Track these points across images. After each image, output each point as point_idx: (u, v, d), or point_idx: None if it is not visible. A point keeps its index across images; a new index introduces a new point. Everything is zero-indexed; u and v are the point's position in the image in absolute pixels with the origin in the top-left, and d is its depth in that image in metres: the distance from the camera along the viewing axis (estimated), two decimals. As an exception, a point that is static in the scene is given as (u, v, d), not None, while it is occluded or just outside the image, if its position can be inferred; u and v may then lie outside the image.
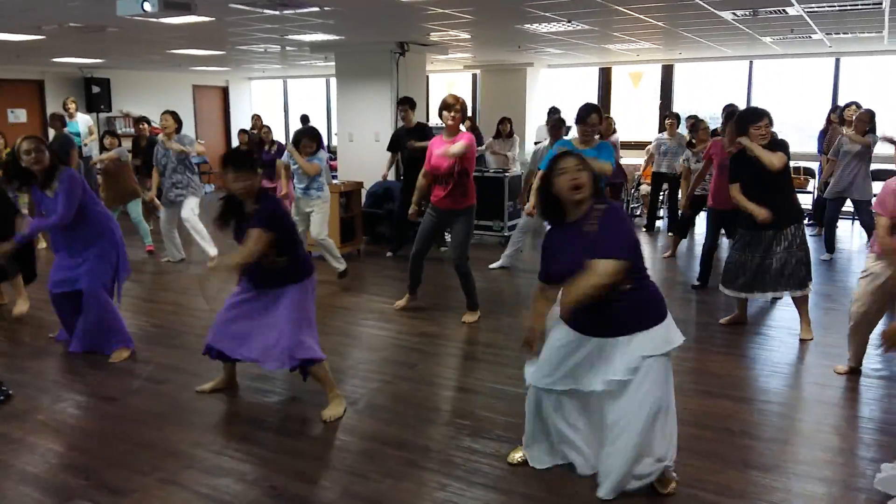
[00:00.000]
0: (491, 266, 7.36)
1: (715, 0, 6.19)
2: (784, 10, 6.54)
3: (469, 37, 8.81)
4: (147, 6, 3.98)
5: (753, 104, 10.68)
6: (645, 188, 10.55)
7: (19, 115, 12.52)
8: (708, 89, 13.22)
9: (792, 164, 10.97)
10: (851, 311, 4.31)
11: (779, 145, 4.83)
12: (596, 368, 2.88)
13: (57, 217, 4.34)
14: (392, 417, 3.88)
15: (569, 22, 7.24)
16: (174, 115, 7.38)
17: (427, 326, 5.51)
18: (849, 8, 6.40)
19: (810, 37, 8.58)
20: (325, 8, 6.03)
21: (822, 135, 9.23)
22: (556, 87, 13.61)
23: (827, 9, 6.46)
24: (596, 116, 5.13)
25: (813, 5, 6.29)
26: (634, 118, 13.13)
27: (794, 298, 5.07)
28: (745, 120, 4.87)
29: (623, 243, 2.74)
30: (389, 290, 6.45)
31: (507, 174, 8.70)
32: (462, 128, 5.43)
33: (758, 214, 4.74)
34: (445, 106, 5.33)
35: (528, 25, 7.71)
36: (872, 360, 4.55)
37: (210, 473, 3.24)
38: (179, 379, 4.38)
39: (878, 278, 4.11)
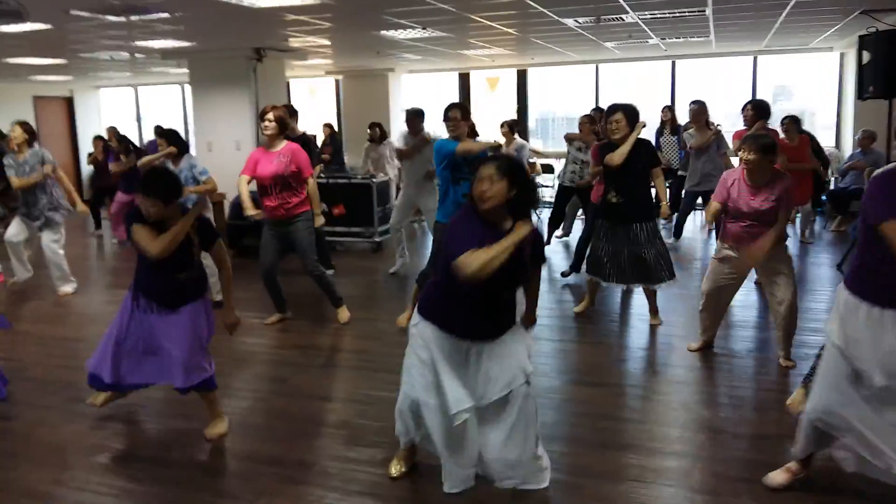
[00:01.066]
0: (391, 271, 7.39)
1: (560, 9, 6.56)
2: (621, 18, 7.02)
3: (328, 43, 8.78)
4: (-28, 16, 3.72)
5: (602, 105, 11.35)
6: None
7: None
8: (560, 92, 13.88)
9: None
10: (703, 289, 4.70)
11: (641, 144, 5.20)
12: (488, 376, 2.95)
13: None
14: (266, 434, 3.83)
15: (424, 28, 7.39)
16: (25, 125, 6.69)
17: (298, 338, 5.47)
18: (678, 15, 6.96)
19: (647, 41, 9.23)
20: (176, 14, 5.81)
21: (658, 134, 9.92)
22: (417, 92, 13.81)
23: (659, 16, 7.00)
24: (456, 112, 5.14)
25: (647, 13, 6.79)
26: (494, 122, 13.55)
27: (645, 288, 5.45)
28: (606, 116, 5.24)
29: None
30: (260, 305, 6.32)
31: (374, 180, 8.75)
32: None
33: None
34: (264, 116, 5.33)
35: (385, 32, 7.80)
36: (722, 338, 4.99)
37: (71, 512, 3.07)
38: (29, 415, 4.11)
39: (727, 259, 4.51)
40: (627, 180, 5.14)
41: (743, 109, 6.90)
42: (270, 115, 5.27)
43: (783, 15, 7.27)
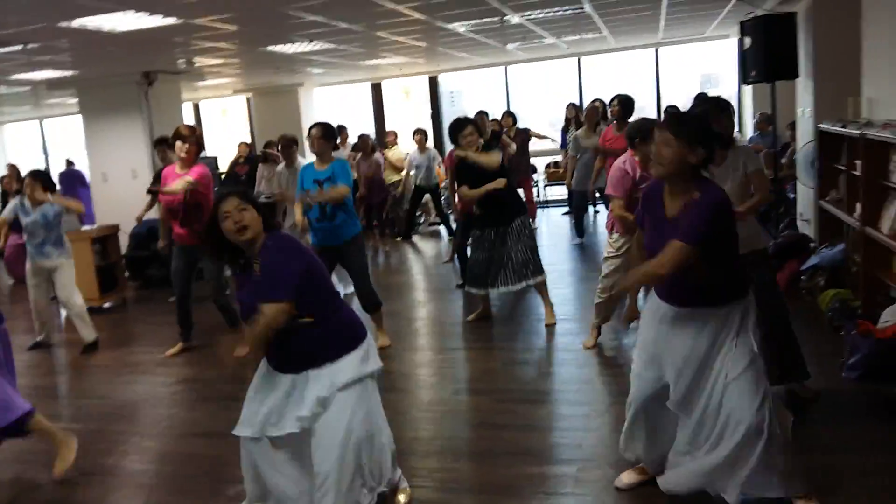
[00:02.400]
0: None
1: (443, 14, 6.51)
2: (505, 21, 7.01)
3: (220, 62, 8.57)
4: None
5: (512, 107, 11.44)
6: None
7: None
8: (473, 96, 13.93)
9: (550, 158, 11.90)
10: (599, 287, 4.72)
11: (491, 146, 5.21)
12: (289, 408, 2.71)
13: None
14: (146, 481, 3.64)
15: (311, 41, 7.26)
16: None
17: (188, 371, 5.26)
18: (559, 14, 6.99)
19: (543, 41, 9.28)
20: (28, 46, 5.54)
21: (564, 132, 10.01)
22: (330, 105, 13.65)
23: (541, 16, 7.03)
24: (315, 131, 4.94)
25: (528, 13, 6.80)
26: (409, 130, 13.52)
27: (535, 286, 5.42)
28: (453, 131, 5.21)
29: (281, 284, 2.59)
30: (158, 338, 6.06)
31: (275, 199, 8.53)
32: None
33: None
34: (179, 137, 5.15)
35: (274, 47, 7.63)
36: (607, 334, 4.98)
37: None
38: None
39: (618, 258, 4.52)
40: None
41: (609, 104, 6.98)
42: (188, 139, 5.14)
43: (663, 8, 7.39)
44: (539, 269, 5.36)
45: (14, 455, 3.91)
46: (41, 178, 5.67)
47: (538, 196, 11.37)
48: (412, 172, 9.40)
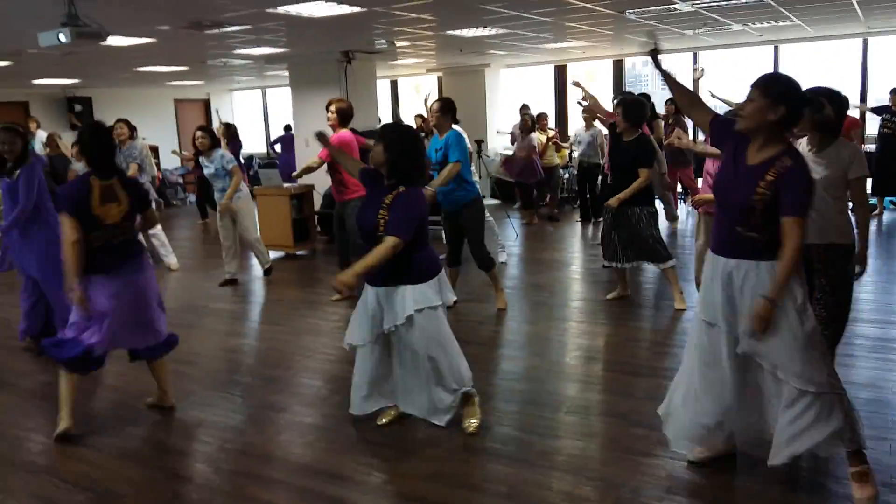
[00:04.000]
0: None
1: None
2: (675, 9, 7.06)
3: (408, 44, 9.38)
4: (62, 37, 4.59)
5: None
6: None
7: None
8: (655, 81, 13.70)
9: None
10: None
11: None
12: (382, 315, 3.51)
13: (18, 207, 4.78)
14: (307, 390, 4.47)
15: (487, 27, 7.80)
16: (127, 122, 8.08)
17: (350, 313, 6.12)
18: (733, 3, 6.91)
19: (730, 27, 9.07)
20: (247, 26, 6.62)
21: None
22: (514, 85, 14.15)
23: (714, 5, 6.98)
24: (435, 106, 5.58)
25: (698, 1, 6.81)
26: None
27: (663, 271, 5.71)
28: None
29: (408, 226, 3.35)
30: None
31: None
32: None
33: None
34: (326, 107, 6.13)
35: (458, 32, 8.25)
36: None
37: None
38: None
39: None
40: (616, 172, 5.56)
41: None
42: (332, 107, 6.02)
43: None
44: (660, 257, 5.58)
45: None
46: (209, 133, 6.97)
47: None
48: (575, 148, 9.73)
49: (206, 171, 6.96)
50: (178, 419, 4.08)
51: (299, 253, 8.80)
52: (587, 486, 3.12)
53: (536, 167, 10.04)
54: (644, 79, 14.05)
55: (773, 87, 2.74)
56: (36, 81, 12.00)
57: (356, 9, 6.08)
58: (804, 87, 2.85)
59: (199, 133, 6.90)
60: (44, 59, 8.63)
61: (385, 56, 10.49)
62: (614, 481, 3.15)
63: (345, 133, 6.10)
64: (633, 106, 5.50)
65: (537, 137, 10.18)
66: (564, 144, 11.07)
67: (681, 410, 3.09)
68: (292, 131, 13.85)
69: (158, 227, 7.86)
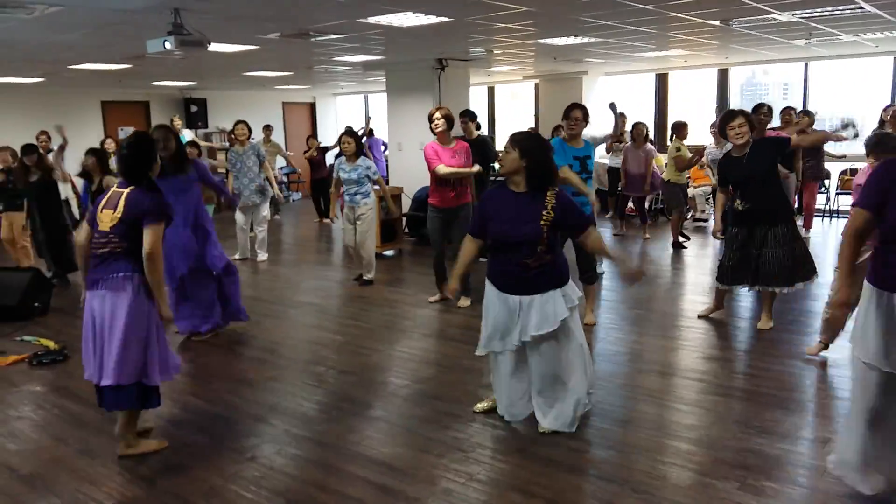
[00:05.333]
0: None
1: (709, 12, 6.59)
2: (775, 19, 6.83)
3: (501, 52, 9.49)
4: (167, 45, 5.01)
5: (810, 106, 10.83)
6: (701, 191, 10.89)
7: (128, 132, 14.30)
8: (771, 90, 13.21)
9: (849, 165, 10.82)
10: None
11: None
12: (523, 323, 3.57)
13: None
14: (380, 378, 4.68)
15: (576, 37, 7.79)
16: (247, 124, 8.63)
17: (431, 312, 6.28)
18: (837, 12, 6.61)
19: (839, 38, 8.65)
20: (344, 35, 6.93)
21: None
22: (612, 93, 13.97)
23: (815, 14, 6.70)
24: (579, 112, 5.47)
25: (797, 11, 6.56)
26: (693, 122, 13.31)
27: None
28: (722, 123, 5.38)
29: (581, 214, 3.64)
30: (419, 285, 7.27)
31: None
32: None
33: None
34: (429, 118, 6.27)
35: (544, 40, 8.30)
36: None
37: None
38: None
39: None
40: (750, 185, 5.17)
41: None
42: (438, 114, 6.19)
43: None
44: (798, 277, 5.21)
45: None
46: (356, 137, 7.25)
47: (827, 204, 10.64)
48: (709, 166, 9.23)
49: (343, 176, 7.16)
50: (252, 400, 4.35)
51: (386, 253, 9.07)
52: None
53: (653, 180, 9.58)
54: (764, 87, 13.45)
55: None
56: (155, 83, 12.92)
57: (443, 19, 6.25)
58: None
59: (345, 139, 7.18)
60: (162, 62, 9.32)
61: (479, 63, 10.64)
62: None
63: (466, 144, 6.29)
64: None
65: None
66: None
67: None
68: (374, 136, 14.23)
69: (264, 224, 8.51)
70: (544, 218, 3.43)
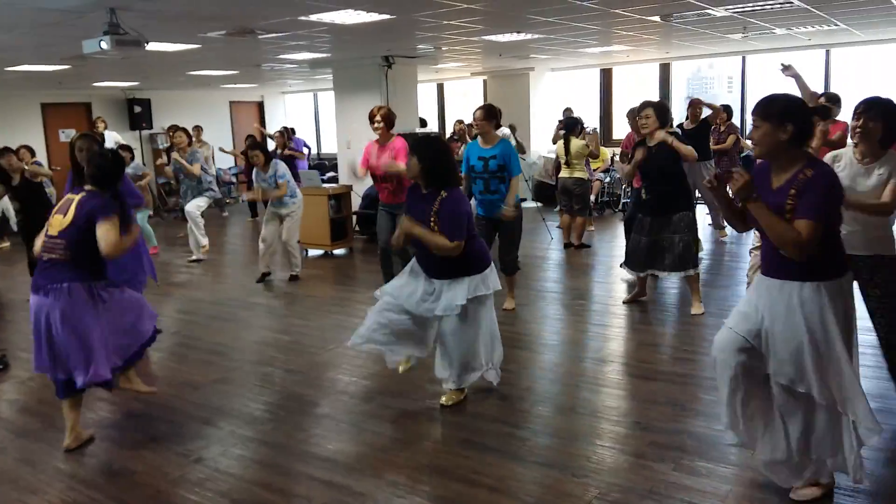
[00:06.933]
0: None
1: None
2: (707, 14, 7.02)
3: (446, 49, 9.54)
4: (104, 45, 4.92)
5: (751, 99, 11.08)
6: None
7: (70, 135, 13.93)
8: (713, 84, 13.55)
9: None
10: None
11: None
12: (432, 300, 3.91)
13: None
14: (338, 375, 4.68)
15: (520, 33, 7.89)
16: (186, 131, 8.62)
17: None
18: (768, 6, 6.84)
19: (773, 31, 8.93)
20: (284, 33, 6.89)
21: None
22: (559, 89, 14.15)
23: (748, 9, 6.92)
24: (479, 112, 5.62)
25: (731, 6, 6.76)
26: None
27: (685, 278, 5.69)
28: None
29: (461, 228, 3.78)
30: (369, 282, 7.25)
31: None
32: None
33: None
34: (370, 118, 6.22)
35: (489, 36, 8.38)
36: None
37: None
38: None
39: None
40: (654, 175, 5.46)
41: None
42: (378, 116, 6.16)
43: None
44: (687, 264, 5.53)
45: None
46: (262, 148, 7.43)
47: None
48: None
49: (263, 185, 7.44)
50: (198, 403, 4.32)
51: (336, 252, 9.06)
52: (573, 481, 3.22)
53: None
54: (710, 81, 13.77)
55: (773, 108, 2.72)
56: (97, 84, 12.61)
57: (387, 16, 6.27)
58: (861, 93, 2.88)
59: (252, 153, 7.39)
60: (102, 63, 9.11)
61: (426, 60, 10.67)
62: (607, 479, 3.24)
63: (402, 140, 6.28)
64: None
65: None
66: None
67: None
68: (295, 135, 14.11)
69: (197, 212, 8.50)
70: (432, 218, 3.79)
